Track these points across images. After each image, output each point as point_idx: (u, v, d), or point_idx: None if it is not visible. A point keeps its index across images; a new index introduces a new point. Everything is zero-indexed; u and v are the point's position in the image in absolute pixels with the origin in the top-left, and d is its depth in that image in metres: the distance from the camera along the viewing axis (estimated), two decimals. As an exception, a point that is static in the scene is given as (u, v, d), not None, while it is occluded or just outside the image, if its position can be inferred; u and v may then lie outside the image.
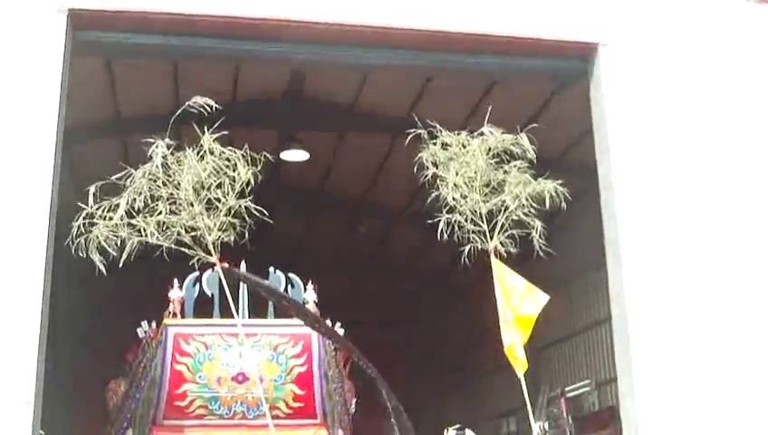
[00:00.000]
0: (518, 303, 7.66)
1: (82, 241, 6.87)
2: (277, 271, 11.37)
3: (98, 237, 6.86)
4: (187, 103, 7.18)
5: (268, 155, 7.42)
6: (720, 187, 9.32)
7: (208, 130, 7.24)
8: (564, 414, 15.16)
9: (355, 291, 20.34)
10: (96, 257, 6.91)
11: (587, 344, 16.21)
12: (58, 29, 8.56)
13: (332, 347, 11.14)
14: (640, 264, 8.97)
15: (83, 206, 6.89)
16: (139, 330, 11.64)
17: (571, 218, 11.00)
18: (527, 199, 7.58)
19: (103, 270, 6.93)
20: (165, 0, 8.87)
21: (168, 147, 7.17)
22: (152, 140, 7.20)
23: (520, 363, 7.52)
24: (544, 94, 12.23)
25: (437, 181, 7.68)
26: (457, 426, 10.99)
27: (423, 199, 8.05)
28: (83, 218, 6.91)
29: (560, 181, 7.73)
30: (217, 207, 7.16)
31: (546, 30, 9.45)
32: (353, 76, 12.63)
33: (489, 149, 7.63)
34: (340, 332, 10.88)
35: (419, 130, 7.68)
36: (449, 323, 21.42)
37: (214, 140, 7.22)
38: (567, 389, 16.24)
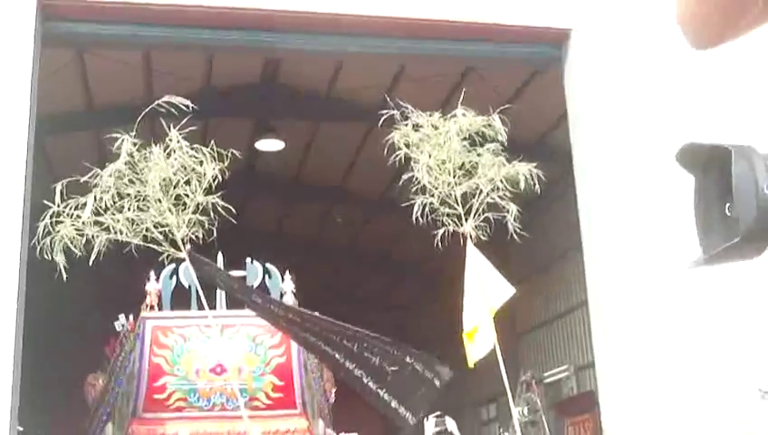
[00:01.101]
0: (485, 290, 7.64)
1: (48, 242, 6.79)
2: (254, 262, 11.33)
3: (63, 237, 6.78)
4: (156, 102, 7.12)
5: (236, 152, 7.37)
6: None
7: (182, 121, 7.18)
8: (538, 400, 15.24)
9: (332, 279, 20.33)
10: (60, 259, 6.82)
11: (565, 329, 16.28)
12: (28, 20, 8.45)
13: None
14: (616, 248, 9.00)
15: (50, 204, 6.82)
16: (116, 323, 11.59)
17: (549, 203, 11.05)
18: (502, 182, 7.57)
19: (64, 274, 6.82)
20: (136, -10, 8.79)
21: (135, 144, 7.12)
22: (120, 135, 7.14)
23: (476, 349, 7.50)
24: (519, 80, 12.25)
25: (411, 163, 7.66)
26: (437, 413, 11.02)
27: (399, 187, 8.04)
28: (50, 217, 6.84)
29: (535, 165, 7.72)
30: (186, 203, 7.12)
31: (519, 16, 9.44)
32: (328, 64, 12.59)
33: (462, 131, 7.61)
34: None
35: (392, 112, 7.65)
36: (427, 311, 21.45)
37: (183, 136, 7.16)
38: (545, 374, 16.32)
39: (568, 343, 16.19)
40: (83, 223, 6.86)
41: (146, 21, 8.99)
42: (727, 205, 1.27)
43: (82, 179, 6.98)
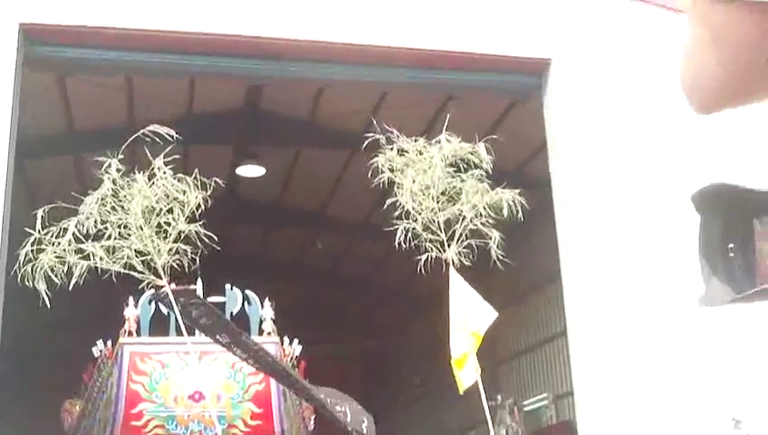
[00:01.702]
0: (469, 316, 7.66)
1: (29, 269, 6.77)
2: (234, 288, 11.31)
3: (45, 265, 6.76)
4: (140, 132, 7.13)
5: (219, 181, 7.38)
6: (672, 196, 9.44)
7: (164, 147, 7.19)
8: (517, 426, 15.21)
9: (313, 305, 20.29)
10: (41, 287, 6.80)
11: (545, 358, 16.29)
12: (10, 44, 8.47)
13: (290, 364, 11.10)
14: (595, 277, 9.05)
15: (31, 232, 6.80)
16: (94, 349, 11.51)
17: (528, 231, 11.08)
18: (485, 209, 7.61)
19: (47, 301, 6.80)
20: (118, 15, 8.81)
21: (119, 171, 7.12)
22: (103, 160, 7.14)
23: (466, 375, 7.51)
24: (499, 109, 12.33)
25: (395, 188, 7.68)
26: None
27: (380, 214, 8.07)
28: (31, 245, 6.82)
29: (518, 191, 7.77)
30: (167, 231, 7.12)
31: (499, 46, 9.53)
32: (310, 91, 12.62)
33: (446, 157, 7.65)
34: (297, 348, 10.84)
35: (377, 136, 7.68)
36: (408, 337, 21.42)
37: (166, 164, 7.17)
38: (525, 402, 16.30)
39: (547, 372, 16.19)
40: (64, 250, 6.84)
41: (128, 46, 9.02)
42: (730, 246, 1.31)
43: (63, 205, 6.96)
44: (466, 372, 7.56)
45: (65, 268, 6.85)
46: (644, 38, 9.95)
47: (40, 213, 6.85)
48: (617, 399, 8.67)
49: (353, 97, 12.30)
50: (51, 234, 6.83)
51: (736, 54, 1.34)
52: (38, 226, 6.81)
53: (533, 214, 8.39)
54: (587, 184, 9.33)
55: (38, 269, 6.77)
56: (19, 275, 6.79)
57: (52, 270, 6.82)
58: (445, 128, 7.81)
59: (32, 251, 6.80)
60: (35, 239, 6.79)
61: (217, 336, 8.61)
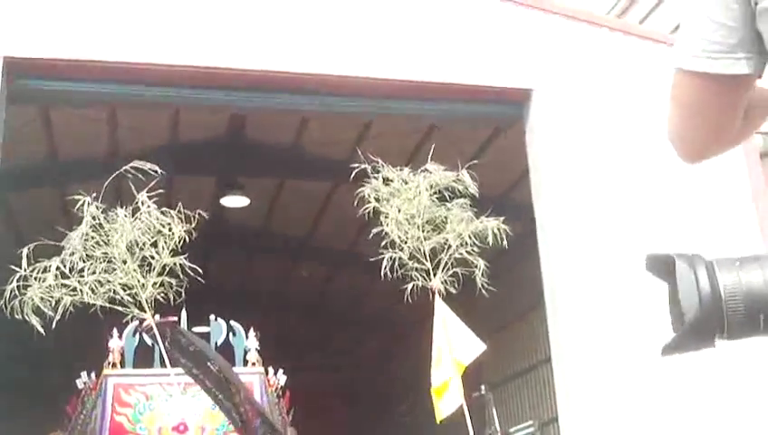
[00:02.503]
0: (454, 346, 7.68)
1: (17, 303, 6.80)
2: (218, 319, 11.29)
3: (32, 299, 6.80)
4: (124, 168, 7.18)
5: (203, 213, 7.42)
6: (656, 225, 9.52)
7: (147, 180, 7.23)
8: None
9: (298, 335, 20.24)
10: (33, 319, 6.84)
11: (530, 384, 16.29)
12: (-8, 77, 8.49)
13: (275, 395, 11.08)
14: (578, 304, 9.10)
15: (17, 269, 6.83)
16: (78, 381, 11.46)
17: (513, 259, 11.12)
18: (470, 238, 7.66)
19: (41, 331, 6.85)
20: (101, 48, 8.85)
21: (98, 208, 7.15)
22: (84, 195, 7.18)
23: (445, 404, 7.52)
24: (482, 138, 12.41)
25: (381, 218, 7.73)
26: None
27: (364, 243, 8.11)
28: (17, 281, 6.85)
29: (502, 219, 7.83)
30: (151, 264, 7.15)
31: (481, 76, 9.63)
32: (293, 122, 12.67)
33: (431, 186, 7.71)
34: (282, 378, 10.82)
35: (363, 166, 7.74)
36: (393, 366, 21.38)
37: (150, 197, 7.21)
38: (511, 429, 16.28)
39: (533, 399, 16.19)
40: (50, 286, 6.87)
41: (111, 79, 9.06)
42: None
43: (49, 242, 6.99)
44: (446, 401, 7.58)
45: (52, 303, 6.88)
46: (625, 68, 10.08)
47: (25, 251, 6.88)
48: (601, 426, 8.69)
49: (337, 127, 12.37)
50: (36, 270, 6.87)
51: (707, 120, 1.60)
52: (24, 263, 6.83)
53: (516, 241, 8.44)
54: (569, 212, 9.41)
55: (26, 304, 6.80)
56: (7, 310, 6.81)
57: (41, 301, 6.85)
58: (430, 157, 7.87)
59: (17, 287, 6.83)
60: (21, 276, 6.82)
61: (208, 364, 8.62)
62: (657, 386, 8.82)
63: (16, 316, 6.99)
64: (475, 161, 8.35)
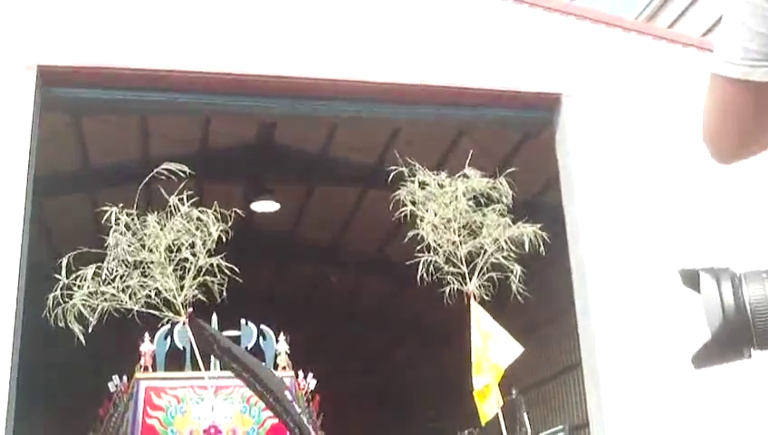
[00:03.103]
0: (492, 349, 7.69)
1: (60, 311, 6.91)
2: (249, 323, 11.35)
3: (74, 307, 6.90)
4: (155, 170, 7.25)
5: (239, 211, 7.48)
6: (685, 230, 9.47)
7: (178, 184, 7.29)
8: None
9: (327, 340, 20.29)
10: (76, 327, 6.94)
11: (561, 389, 16.22)
12: (28, 85, 8.61)
13: (304, 398, 11.11)
14: (609, 309, 9.06)
15: (58, 277, 6.94)
16: (110, 384, 11.55)
17: (542, 264, 11.10)
18: (506, 243, 7.66)
19: (82, 339, 6.95)
20: (133, 56, 8.95)
21: (128, 214, 7.23)
22: (114, 206, 7.26)
23: (488, 407, 7.54)
24: (511, 143, 12.40)
25: (416, 221, 7.74)
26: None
27: (393, 248, 8.14)
28: (58, 290, 6.96)
29: (539, 225, 7.82)
30: (185, 267, 7.21)
31: (512, 82, 9.62)
32: (323, 127, 12.73)
33: (468, 191, 7.72)
34: (312, 382, 10.86)
35: (400, 169, 7.75)
36: (422, 371, 21.37)
37: (180, 199, 7.26)
38: (541, 434, 16.22)
39: (563, 403, 16.12)
40: (91, 294, 6.97)
41: (142, 86, 9.15)
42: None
43: (86, 250, 7.09)
44: (489, 404, 7.61)
45: (93, 310, 6.98)
46: (654, 72, 10.04)
47: (65, 261, 6.98)
48: (632, 431, 8.65)
49: (366, 133, 12.41)
50: (79, 278, 6.97)
51: (742, 125, 1.61)
52: (63, 272, 6.93)
53: (546, 246, 8.44)
54: (600, 216, 9.38)
55: (69, 311, 6.90)
56: (51, 318, 6.91)
57: (83, 308, 6.96)
58: (468, 162, 7.89)
59: (60, 296, 6.93)
60: (63, 284, 6.93)
61: (234, 365, 8.66)
62: (689, 392, 8.76)
63: (51, 323, 7.10)
64: (512, 169, 8.32)
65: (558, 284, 11.38)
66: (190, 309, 7.51)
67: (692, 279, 1.48)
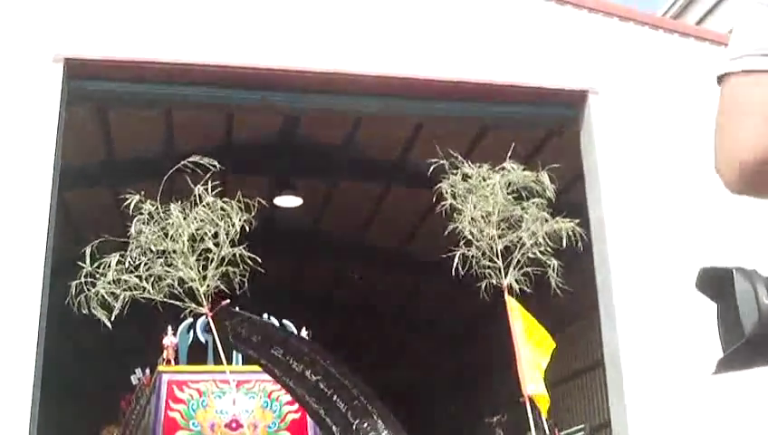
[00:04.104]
0: (534, 348, 7.68)
1: (83, 298, 6.95)
2: (271, 318, 11.38)
3: (97, 294, 6.94)
4: (182, 162, 7.27)
5: (262, 201, 7.49)
6: (711, 231, 9.39)
7: (203, 177, 7.31)
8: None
9: (347, 335, 20.30)
10: (100, 313, 6.98)
11: (582, 388, 16.15)
12: (54, 78, 8.66)
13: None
14: (632, 307, 9.01)
15: (82, 265, 6.97)
16: (132, 377, 11.62)
17: (566, 262, 11.05)
18: (543, 238, 7.63)
19: (108, 324, 6.99)
20: (158, 49, 8.97)
21: (152, 204, 7.25)
22: (136, 193, 7.29)
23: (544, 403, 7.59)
24: (535, 140, 12.34)
25: (454, 214, 7.71)
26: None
27: (417, 243, 8.12)
28: (82, 277, 6.99)
29: (577, 221, 7.78)
30: (208, 257, 7.22)
31: (537, 78, 9.58)
32: (346, 123, 12.72)
33: (509, 184, 7.68)
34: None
35: (441, 162, 7.72)
36: (443, 368, 21.35)
37: (208, 190, 7.28)
38: (561, 433, 16.15)
39: (584, 402, 16.05)
40: (114, 281, 7.01)
41: (166, 79, 9.18)
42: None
43: (110, 238, 7.12)
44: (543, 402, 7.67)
45: (116, 298, 7.01)
46: (680, 70, 9.96)
47: (88, 250, 7.01)
48: (653, 431, 8.60)
49: (390, 128, 12.39)
50: (102, 265, 7.00)
51: (763, 123, 1.37)
52: (87, 259, 6.97)
53: (570, 243, 8.39)
54: (624, 213, 9.32)
55: (91, 298, 6.94)
56: (75, 306, 6.95)
57: (105, 300, 7.00)
58: (508, 156, 7.86)
59: (84, 283, 6.97)
60: (87, 272, 6.96)
61: (272, 351, 8.64)
62: (711, 393, 8.70)
63: (72, 313, 7.14)
64: (556, 165, 8.25)
65: (580, 282, 11.33)
66: (227, 301, 7.54)
67: (716, 279, 1.39)
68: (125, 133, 12.30)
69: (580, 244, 7.75)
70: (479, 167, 7.78)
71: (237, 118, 12.42)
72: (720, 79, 1.44)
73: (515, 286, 7.65)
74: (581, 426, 15.80)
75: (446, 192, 7.68)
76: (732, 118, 1.43)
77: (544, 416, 7.72)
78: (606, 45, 9.97)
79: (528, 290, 7.67)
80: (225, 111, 11.91)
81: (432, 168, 7.84)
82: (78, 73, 8.87)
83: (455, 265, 7.43)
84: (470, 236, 7.54)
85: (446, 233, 7.74)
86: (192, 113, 11.54)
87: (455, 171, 7.73)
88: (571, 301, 14.38)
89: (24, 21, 8.84)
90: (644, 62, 9.92)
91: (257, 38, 9.25)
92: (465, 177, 7.72)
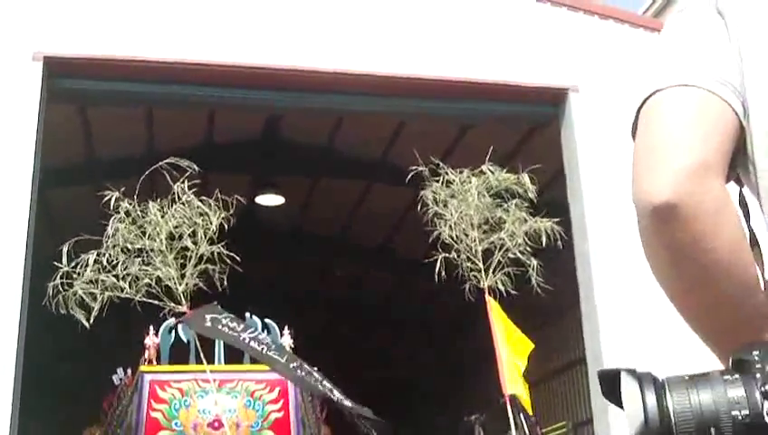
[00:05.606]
0: (511, 349, 7.72)
1: (60, 299, 6.91)
2: (253, 316, 11.35)
3: (75, 294, 6.90)
4: (160, 163, 7.25)
5: (240, 199, 7.48)
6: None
7: (183, 176, 7.29)
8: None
9: (330, 333, 20.29)
10: (79, 313, 6.94)
11: (564, 385, 16.21)
12: (34, 76, 8.60)
13: (309, 393, 11.11)
14: (613, 305, 9.04)
15: (59, 265, 6.92)
16: (114, 377, 11.56)
17: (546, 259, 11.08)
18: (523, 238, 7.66)
19: (87, 324, 6.95)
20: (139, 47, 8.94)
21: (131, 204, 7.22)
22: (116, 192, 7.25)
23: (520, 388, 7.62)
24: (516, 138, 12.37)
25: (435, 218, 7.74)
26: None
27: (397, 242, 8.14)
28: (60, 277, 6.95)
29: (558, 220, 7.82)
30: (186, 256, 7.20)
31: (518, 76, 9.60)
32: (328, 121, 12.71)
33: (490, 189, 7.71)
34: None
35: (421, 169, 7.76)
36: (425, 366, 21.37)
37: (185, 189, 7.26)
38: (545, 430, 16.20)
39: (566, 399, 16.12)
40: (92, 281, 6.97)
41: (148, 77, 9.14)
42: None
43: (87, 237, 7.09)
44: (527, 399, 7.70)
45: (95, 298, 6.97)
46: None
47: (65, 248, 6.97)
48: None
49: (371, 127, 12.39)
50: (79, 265, 6.96)
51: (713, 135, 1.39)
52: (64, 259, 6.93)
53: (549, 242, 8.42)
54: (605, 212, 9.35)
55: (69, 298, 6.90)
56: (52, 306, 6.91)
57: (83, 300, 6.96)
58: (488, 158, 7.88)
59: (61, 284, 6.93)
60: (64, 272, 6.92)
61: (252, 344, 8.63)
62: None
63: (53, 314, 7.09)
64: (538, 165, 8.27)
65: (560, 280, 11.36)
66: (214, 303, 7.52)
67: (609, 382, 1.37)
68: (106, 131, 12.25)
69: (560, 242, 7.78)
70: (460, 172, 7.81)
71: (219, 116, 12.39)
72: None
73: (500, 287, 7.67)
74: (564, 423, 15.86)
75: (429, 199, 7.72)
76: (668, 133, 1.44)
77: (530, 413, 7.74)
78: (587, 43, 10.00)
79: (511, 291, 7.69)
80: (206, 109, 11.87)
81: (410, 175, 7.86)
82: (58, 71, 8.82)
83: (437, 268, 7.45)
84: (451, 240, 7.57)
85: (429, 235, 7.76)
86: (173, 111, 11.50)
87: (437, 178, 7.76)
88: (552, 298, 14.47)
89: (2, 19, 8.78)
90: (624, 60, 9.95)
91: (239, 36, 9.23)
92: (448, 183, 7.75)
